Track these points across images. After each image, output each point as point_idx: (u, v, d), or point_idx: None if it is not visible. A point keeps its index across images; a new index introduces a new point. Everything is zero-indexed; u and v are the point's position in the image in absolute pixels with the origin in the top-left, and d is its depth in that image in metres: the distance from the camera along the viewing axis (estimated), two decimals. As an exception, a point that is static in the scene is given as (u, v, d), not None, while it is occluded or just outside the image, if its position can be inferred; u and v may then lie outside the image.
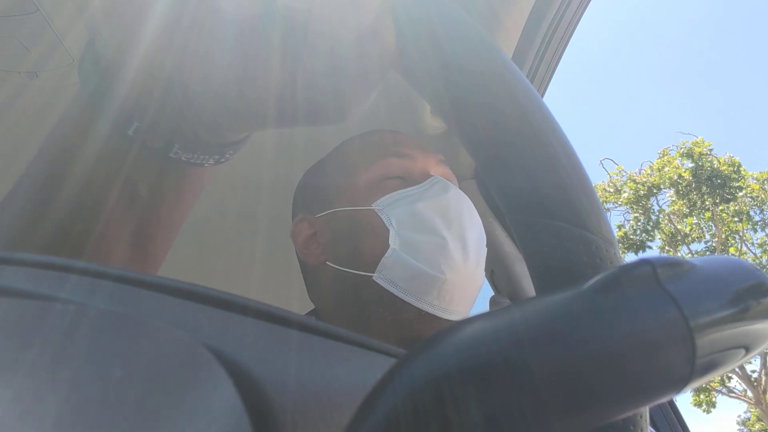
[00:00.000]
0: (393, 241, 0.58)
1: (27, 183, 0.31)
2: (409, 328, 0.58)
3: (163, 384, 0.13)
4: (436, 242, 0.57)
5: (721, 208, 10.89)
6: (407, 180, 0.62)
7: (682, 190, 10.93)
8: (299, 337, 0.19)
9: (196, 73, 0.26)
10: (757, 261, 11.20)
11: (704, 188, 10.72)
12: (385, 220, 0.59)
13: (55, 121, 0.31)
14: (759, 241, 11.41)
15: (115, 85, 0.28)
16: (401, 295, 0.57)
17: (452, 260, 0.57)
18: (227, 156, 0.32)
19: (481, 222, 0.63)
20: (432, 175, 0.63)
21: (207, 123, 0.29)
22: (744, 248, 11.41)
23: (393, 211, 0.59)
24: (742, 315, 0.17)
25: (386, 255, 0.57)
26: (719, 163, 10.77)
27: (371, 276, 0.58)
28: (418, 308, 0.57)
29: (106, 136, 0.29)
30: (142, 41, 0.26)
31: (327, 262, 0.62)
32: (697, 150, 10.90)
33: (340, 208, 0.62)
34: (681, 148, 11.08)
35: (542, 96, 0.97)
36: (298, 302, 1.13)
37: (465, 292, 0.59)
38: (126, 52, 0.27)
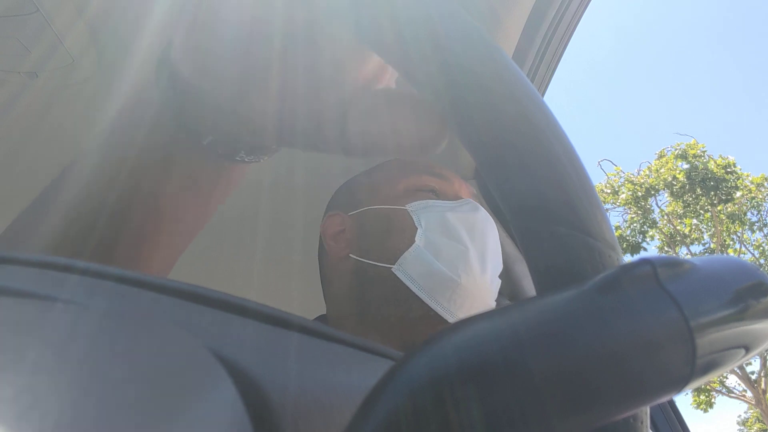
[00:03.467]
0: (419, 239, 0.61)
1: (77, 184, 0.30)
2: (413, 330, 0.59)
3: (163, 384, 0.13)
4: (459, 248, 0.60)
5: (719, 208, 10.87)
6: (440, 196, 0.66)
7: (676, 191, 10.92)
8: (300, 340, 0.19)
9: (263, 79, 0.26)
10: (756, 262, 11.18)
11: (698, 190, 10.72)
12: (415, 220, 0.62)
13: (55, 122, 0.30)
14: (755, 243, 11.39)
15: (194, 100, 0.27)
16: (416, 290, 0.59)
17: (470, 267, 0.59)
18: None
19: (501, 251, 0.66)
20: (464, 197, 0.67)
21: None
22: (743, 249, 11.40)
23: (424, 214, 0.63)
24: (743, 315, 0.17)
25: (409, 250, 0.60)
26: (714, 164, 10.75)
27: (390, 268, 0.60)
28: (428, 307, 0.58)
29: (180, 148, 0.29)
30: (227, 57, 0.25)
31: (350, 255, 0.65)
32: (691, 152, 10.90)
33: (373, 206, 0.66)
34: (676, 149, 11.08)
35: (542, 96, 0.97)
36: (299, 304, 1.13)
37: (475, 303, 0.60)
38: (206, 70, 0.26)
